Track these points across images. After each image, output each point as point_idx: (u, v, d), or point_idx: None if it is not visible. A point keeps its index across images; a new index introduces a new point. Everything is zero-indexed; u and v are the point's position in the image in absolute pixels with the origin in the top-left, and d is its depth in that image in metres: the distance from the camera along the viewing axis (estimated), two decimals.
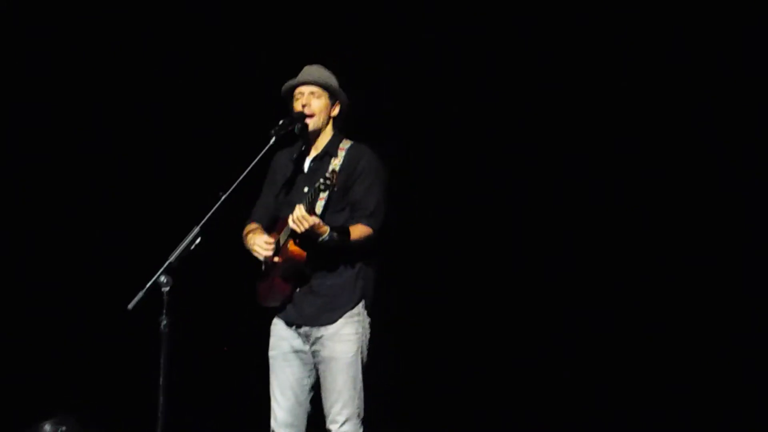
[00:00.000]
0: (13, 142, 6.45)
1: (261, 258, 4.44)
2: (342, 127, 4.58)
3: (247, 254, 4.53)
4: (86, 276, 6.36)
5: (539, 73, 5.91)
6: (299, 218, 4.19)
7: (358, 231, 4.35)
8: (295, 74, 4.55)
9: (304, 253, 4.31)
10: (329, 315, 4.39)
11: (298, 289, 4.41)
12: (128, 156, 6.43)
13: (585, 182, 5.88)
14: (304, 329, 4.41)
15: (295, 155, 4.58)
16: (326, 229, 4.24)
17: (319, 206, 4.32)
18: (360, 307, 4.43)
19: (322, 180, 4.13)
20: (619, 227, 5.87)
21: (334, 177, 4.13)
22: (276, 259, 4.42)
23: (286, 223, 4.29)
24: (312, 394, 4.46)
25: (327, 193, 4.24)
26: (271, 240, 4.43)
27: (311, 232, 4.21)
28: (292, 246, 4.31)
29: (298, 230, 4.20)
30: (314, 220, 4.20)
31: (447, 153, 6.05)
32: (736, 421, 5.60)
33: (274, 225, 4.56)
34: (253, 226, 4.59)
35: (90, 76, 6.43)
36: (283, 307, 4.46)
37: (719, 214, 5.68)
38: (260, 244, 4.44)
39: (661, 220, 5.81)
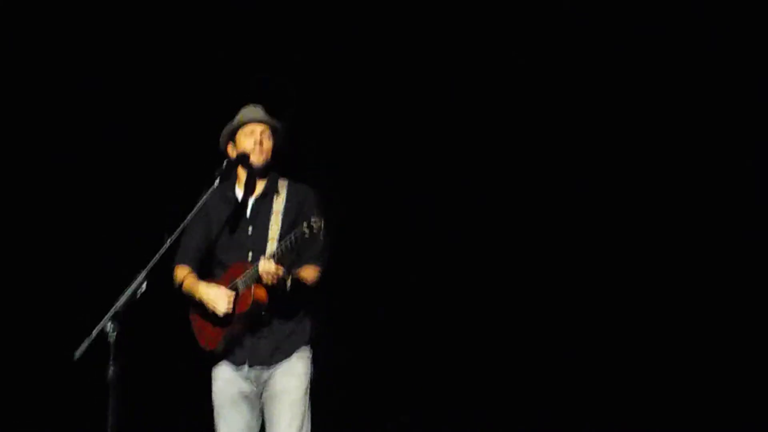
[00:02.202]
0: None
1: (220, 313, 4.35)
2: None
3: (186, 301, 4.48)
4: (30, 324, 6.30)
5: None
6: (270, 273, 4.20)
7: (311, 274, 4.39)
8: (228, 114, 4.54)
9: (266, 300, 4.31)
10: (282, 352, 4.40)
11: (251, 332, 4.40)
12: (71, 199, 6.38)
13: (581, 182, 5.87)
14: (255, 370, 4.40)
15: (223, 194, 4.52)
16: (288, 277, 4.28)
17: (270, 249, 4.31)
18: (308, 347, 4.46)
19: (307, 228, 4.10)
20: (618, 227, 5.86)
21: (321, 223, 4.12)
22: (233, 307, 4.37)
23: (239, 268, 4.32)
24: None
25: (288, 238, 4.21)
26: (232, 294, 4.35)
27: (278, 282, 4.24)
28: (255, 292, 4.28)
29: (269, 283, 4.22)
30: (282, 271, 4.23)
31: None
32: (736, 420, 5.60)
33: (211, 269, 4.49)
34: (185, 270, 4.51)
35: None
36: (231, 350, 4.43)
37: (718, 214, 5.68)
38: (223, 298, 4.34)
39: (661, 219, 5.81)
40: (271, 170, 4.55)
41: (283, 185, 4.52)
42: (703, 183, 5.77)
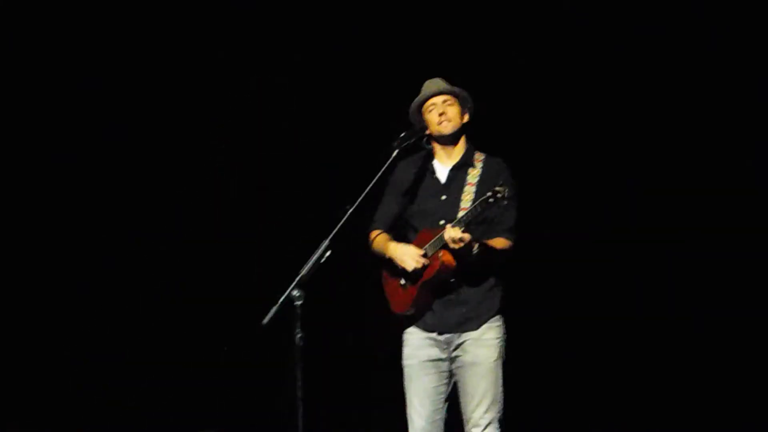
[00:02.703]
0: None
1: (409, 269, 4.41)
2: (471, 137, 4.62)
3: (375, 261, 4.56)
4: (218, 294, 6.36)
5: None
6: (456, 239, 4.24)
7: (500, 244, 4.43)
8: (413, 91, 4.62)
9: (453, 265, 4.35)
10: (472, 322, 4.44)
11: (440, 299, 4.44)
12: (249, 175, 6.44)
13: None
14: (445, 336, 4.45)
15: (422, 165, 4.60)
16: (476, 245, 4.30)
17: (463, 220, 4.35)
18: (499, 315, 4.49)
19: (491, 194, 4.19)
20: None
21: (505, 191, 4.19)
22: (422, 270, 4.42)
23: (428, 234, 4.38)
24: (447, 403, 4.49)
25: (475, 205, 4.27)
26: (421, 251, 4.40)
27: (464, 249, 4.27)
28: (442, 257, 4.34)
29: (455, 248, 4.26)
30: (469, 238, 4.26)
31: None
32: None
33: (405, 234, 4.57)
34: (379, 232, 4.59)
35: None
36: (421, 315, 4.48)
37: (718, 214, 5.69)
38: (412, 255, 4.41)
39: (661, 219, 5.82)
40: (466, 142, 4.61)
41: (479, 158, 4.57)
42: (704, 183, 5.76)
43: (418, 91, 4.42)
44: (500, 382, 4.45)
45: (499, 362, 4.45)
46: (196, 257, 6.40)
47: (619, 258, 5.88)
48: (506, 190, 4.19)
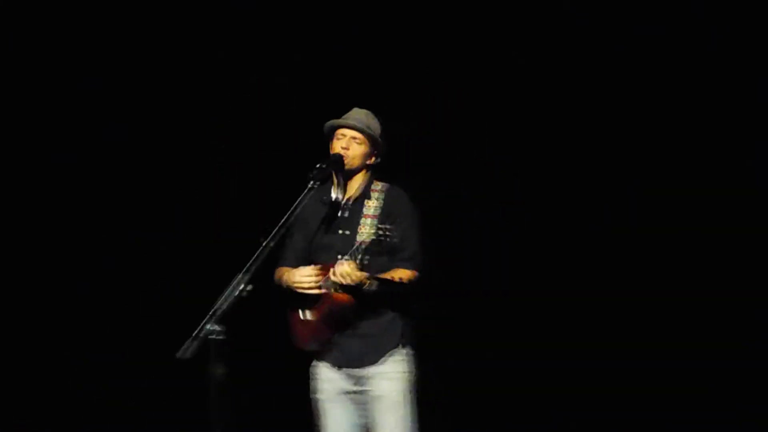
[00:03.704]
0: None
1: (305, 286, 4.36)
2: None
3: (283, 299, 4.51)
4: (129, 325, 6.38)
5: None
6: (346, 274, 4.19)
7: (399, 275, 4.35)
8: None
9: (348, 300, 4.31)
10: (373, 355, 4.39)
11: (339, 333, 4.40)
12: (249, 175, 6.41)
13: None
14: (350, 371, 4.41)
15: (325, 197, 4.53)
16: (369, 281, 4.26)
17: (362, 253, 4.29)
18: (403, 347, 4.44)
19: (376, 234, 4.12)
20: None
21: (392, 231, 4.12)
22: (318, 299, 4.38)
23: (326, 269, 4.31)
24: None
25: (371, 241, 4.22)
26: (310, 269, 4.37)
27: (357, 284, 4.24)
28: (334, 293, 4.30)
29: (346, 283, 4.22)
30: (362, 275, 4.22)
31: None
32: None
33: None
34: (285, 269, 4.53)
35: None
36: (325, 349, 4.44)
37: (718, 214, 5.68)
38: (303, 273, 4.38)
39: (660, 220, 5.81)
40: (368, 172, 4.56)
41: (378, 188, 4.52)
42: (703, 183, 5.75)
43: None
44: (410, 417, 4.38)
45: (408, 396, 4.39)
46: (196, 257, 6.39)
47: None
48: (393, 230, 4.12)
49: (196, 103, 6.39)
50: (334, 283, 4.26)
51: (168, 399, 6.23)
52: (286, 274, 4.48)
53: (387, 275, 4.32)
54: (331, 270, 4.26)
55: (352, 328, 4.37)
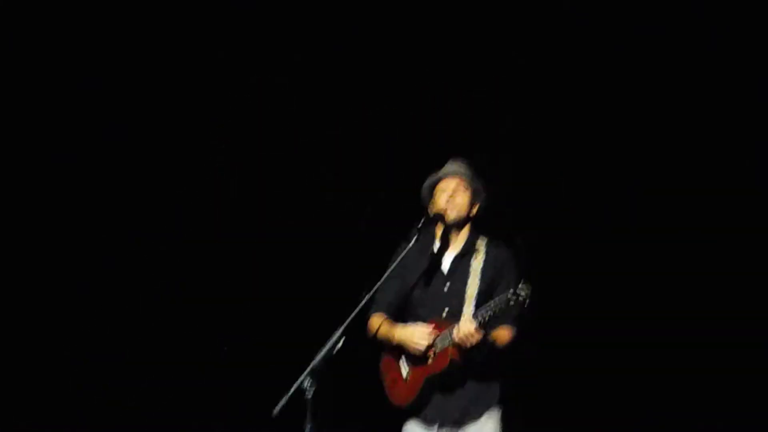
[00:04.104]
0: None
1: (422, 348, 4.28)
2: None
3: (375, 346, 4.46)
4: (218, 294, 6.34)
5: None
6: (470, 335, 4.15)
7: (506, 335, 4.34)
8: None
9: (462, 361, 4.26)
10: (473, 414, 4.36)
11: (440, 391, 4.34)
12: (249, 175, 6.40)
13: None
14: (445, 429, 4.35)
15: (426, 249, 4.47)
16: (487, 342, 4.24)
17: (468, 309, 4.28)
18: (498, 406, 4.42)
19: (512, 296, 4.07)
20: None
21: (527, 293, 4.07)
22: (428, 361, 4.33)
23: (439, 326, 4.26)
24: None
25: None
26: (432, 329, 4.30)
27: (476, 346, 4.20)
28: (452, 354, 4.24)
29: (467, 345, 4.18)
30: (481, 336, 4.18)
31: None
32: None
33: (404, 320, 4.44)
34: (381, 318, 4.46)
35: None
36: (422, 407, 4.37)
37: (718, 214, 5.69)
38: (422, 335, 4.30)
39: (660, 220, 5.81)
40: (470, 225, 4.51)
41: (482, 243, 4.48)
42: (704, 183, 5.76)
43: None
44: None
45: None
46: (196, 257, 6.39)
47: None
48: (529, 290, 4.08)
49: (197, 103, 6.39)
50: (452, 341, 4.21)
51: (168, 399, 6.23)
52: (393, 328, 4.40)
53: (498, 336, 4.31)
54: (455, 329, 4.19)
55: (456, 386, 4.33)
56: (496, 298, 4.15)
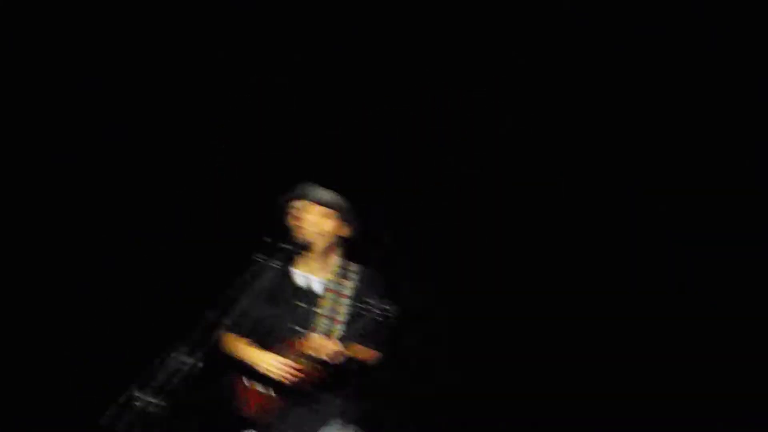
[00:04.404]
0: None
1: (275, 377, 4.27)
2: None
3: (231, 366, 4.42)
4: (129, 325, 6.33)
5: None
6: (336, 354, 4.16)
7: (369, 356, 4.36)
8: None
9: (320, 377, 4.27)
10: (315, 424, 4.33)
11: (293, 405, 4.32)
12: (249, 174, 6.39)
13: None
14: None
15: (292, 272, 4.46)
16: (352, 361, 4.26)
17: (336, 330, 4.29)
18: (346, 423, 4.38)
19: (378, 312, 4.12)
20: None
21: (393, 312, 4.13)
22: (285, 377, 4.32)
23: (294, 346, 4.25)
24: None
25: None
26: (289, 364, 4.28)
27: (339, 364, 4.21)
28: (313, 371, 4.26)
29: (330, 361, 4.18)
30: (337, 349, 4.20)
31: None
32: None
33: (266, 344, 4.40)
34: (236, 340, 4.42)
35: None
36: (269, 420, 4.34)
37: (718, 215, 5.69)
38: (278, 366, 4.26)
39: (660, 221, 5.82)
40: (337, 248, 4.50)
41: (351, 268, 4.48)
42: (703, 183, 5.76)
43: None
44: None
45: None
46: (196, 257, 6.39)
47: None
48: (394, 310, 4.13)
49: (196, 103, 6.39)
50: (315, 359, 4.20)
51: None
52: (247, 349, 4.36)
53: (361, 355, 4.30)
54: (313, 347, 4.20)
55: (310, 401, 4.30)
56: (362, 319, 4.18)
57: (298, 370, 4.24)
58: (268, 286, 4.30)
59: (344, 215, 4.48)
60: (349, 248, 4.55)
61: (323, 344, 4.17)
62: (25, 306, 6.29)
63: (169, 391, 3.81)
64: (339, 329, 4.26)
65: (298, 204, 4.47)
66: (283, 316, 4.38)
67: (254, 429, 4.35)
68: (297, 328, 4.34)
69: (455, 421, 5.99)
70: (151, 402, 3.77)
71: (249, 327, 4.38)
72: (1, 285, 6.28)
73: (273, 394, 4.30)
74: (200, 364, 3.85)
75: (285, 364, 4.25)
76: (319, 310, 4.36)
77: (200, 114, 6.39)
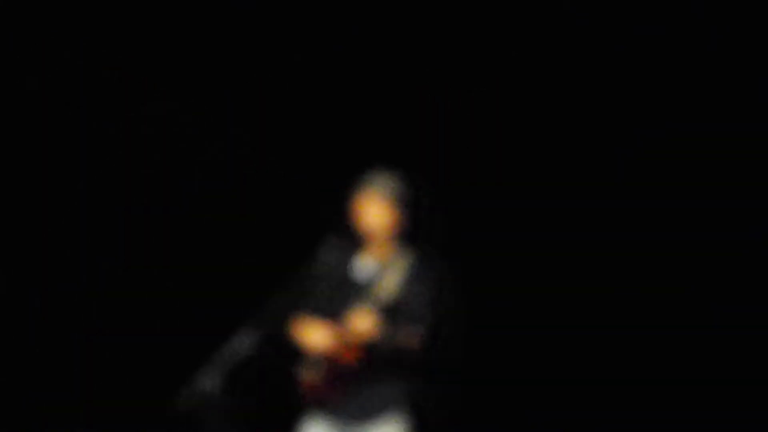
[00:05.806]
0: None
1: (317, 350, 4.32)
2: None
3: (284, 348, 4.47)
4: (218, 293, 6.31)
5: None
6: (369, 332, 4.20)
7: (407, 336, 4.32)
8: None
9: (362, 357, 4.29)
10: (370, 415, 4.35)
11: (344, 390, 4.35)
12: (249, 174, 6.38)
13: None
14: (347, 427, 4.36)
15: (348, 254, 4.47)
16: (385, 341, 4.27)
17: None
18: (400, 412, 4.40)
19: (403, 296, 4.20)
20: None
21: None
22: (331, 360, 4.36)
23: (341, 328, 4.29)
24: None
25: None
26: (327, 328, 4.32)
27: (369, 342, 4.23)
28: (351, 350, 4.29)
29: (379, 345, 4.22)
30: (375, 330, 4.23)
31: None
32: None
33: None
34: (299, 320, 4.46)
35: None
36: (323, 403, 4.39)
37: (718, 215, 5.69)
38: (315, 331, 4.32)
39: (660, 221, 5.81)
40: (398, 239, 4.48)
41: (407, 255, 4.45)
42: (704, 183, 5.76)
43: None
44: None
45: None
46: (196, 255, 6.39)
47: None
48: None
49: (197, 103, 6.39)
50: (355, 340, 4.25)
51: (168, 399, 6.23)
52: (304, 331, 4.41)
53: (405, 338, 4.29)
54: (349, 328, 4.25)
55: (357, 385, 4.33)
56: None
57: (348, 352, 4.27)
58: (327, 272, 4.38)
59: (406, 207, 4.45)
60: (408, 237, 4.51)
61: (370, 327, 4.18)
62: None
63: (233, 373, 3.82)
64: (388, 316, 4.25)
65: (362, 192, 4.45)
66: (338, 302, 4.40)
67: (313, 414, 4.39)
68: (348, 313, 4.33)
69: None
70: (215, 384, 3.78)
71: (308, 310, 4.42)
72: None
73: (328, 379, 4.34)
74: (263, 348, 3.89)
75: (337, 346, 4.27)
76: (371, 297, 4.35)
77: (200, 114, 6.39)
